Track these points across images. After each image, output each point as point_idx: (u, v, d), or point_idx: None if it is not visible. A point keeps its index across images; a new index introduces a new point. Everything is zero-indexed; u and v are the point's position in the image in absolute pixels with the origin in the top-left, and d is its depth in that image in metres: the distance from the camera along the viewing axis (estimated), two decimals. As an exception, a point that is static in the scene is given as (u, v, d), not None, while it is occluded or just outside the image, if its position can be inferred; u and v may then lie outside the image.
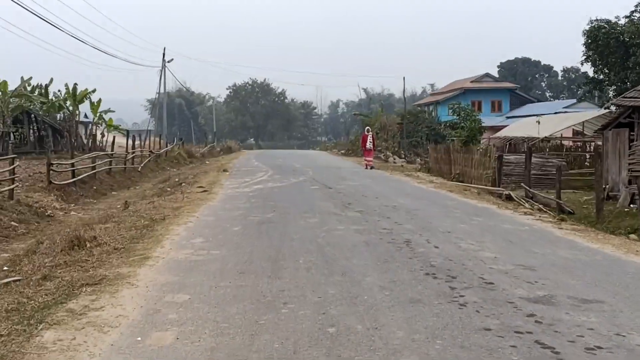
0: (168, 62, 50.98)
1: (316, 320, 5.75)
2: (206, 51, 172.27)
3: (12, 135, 37.13)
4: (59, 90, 39.86)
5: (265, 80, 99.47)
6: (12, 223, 13.09)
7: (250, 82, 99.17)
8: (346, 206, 14.23)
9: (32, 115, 37.48)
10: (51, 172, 17.42)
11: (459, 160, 25.74)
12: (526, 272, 7.73)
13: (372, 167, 28.30)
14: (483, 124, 30.46)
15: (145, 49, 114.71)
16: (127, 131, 32.49)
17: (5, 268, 9.79)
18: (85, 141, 39.15)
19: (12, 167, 14.62)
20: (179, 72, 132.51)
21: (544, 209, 17.59)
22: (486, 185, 21.85)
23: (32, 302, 6.69)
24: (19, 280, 8.51)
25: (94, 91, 39.13)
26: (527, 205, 18.32)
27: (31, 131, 38.33)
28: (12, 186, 14.41)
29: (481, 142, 29.08)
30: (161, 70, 50.50)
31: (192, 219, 12.37)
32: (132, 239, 10.33)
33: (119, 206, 16.13)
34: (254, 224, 11.77)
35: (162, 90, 52.20)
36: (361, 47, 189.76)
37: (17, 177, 15.11)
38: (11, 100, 35.19)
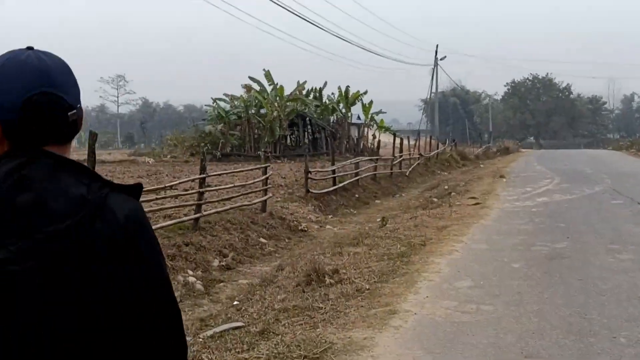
0: (440, 59, 48.96)
1: None
2: (483, 46, 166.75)
3: (288, 138, 38.31)
4: (332, 93, 40.23)
5: (547, 75, 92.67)
6: (261, 240, 11.85)
7: (530, 78, 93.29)
8: (672, 234, 10.43)
9: (307, 119, 38.22)
10: (309, 179, 16.20)
11: None
12: None
13: None
14: None
15: (418, 47, 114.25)
16: (394, 133, 30.96)
17: (236, 302, 8.28)
18: (357, 143, 38.93)
19: (265, 177, 13.51)
20: (454, 70, 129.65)
21: None
22: None
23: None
24: (239, 327, 6.85)
25: (365, 93, 38.70)
26: None
27: (306, 134, 39.18)
28: (264, 197, 13.28)
29: None
30: (433, 69, 48.70)
31: (458, 247, 9.80)
32: (381, 275, 8.12)
33: (378, 219, 14.20)
34: (540, 259, 8.79)
35: (434, 89, 50.35)
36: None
37: (269, 187, 14.00)
38: (287, 104, 36.14)
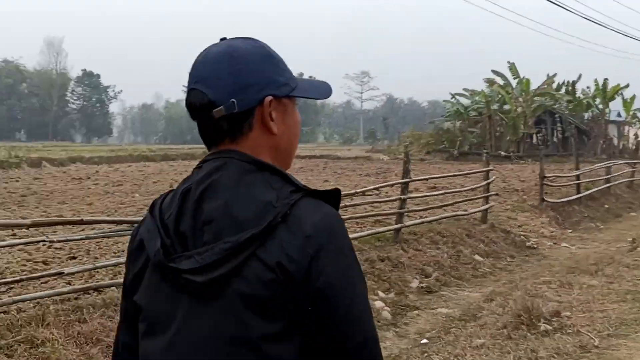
0: None
1: None
2: None
3: (534, 136, 35.18)
4: (587, 87, 36.14)
5: None
6: (475, 257, 10.10)
7: None
8: None
9: (557, 115, 34.75)
10: (546, 185, 13.91)
11: None
12: None
13: None
14: None
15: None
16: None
17: (424, 340, 6.78)
18: (616, 143, 34.51)
19: (487, 182, 11.66)
20: None
21: None
22: None
23: None
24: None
25: (626, 86, 34.11)
26: None
27: (555, 132, 35.72)
28: (485, 206, 11.47)
29: None
30: None
31: None
32: (618, 325, 6.06)
33: (629, 238, 11.57)
34: None
35: None
36: None
37: (492, 194, 12.08)
38: (534, 99, 33.11)
